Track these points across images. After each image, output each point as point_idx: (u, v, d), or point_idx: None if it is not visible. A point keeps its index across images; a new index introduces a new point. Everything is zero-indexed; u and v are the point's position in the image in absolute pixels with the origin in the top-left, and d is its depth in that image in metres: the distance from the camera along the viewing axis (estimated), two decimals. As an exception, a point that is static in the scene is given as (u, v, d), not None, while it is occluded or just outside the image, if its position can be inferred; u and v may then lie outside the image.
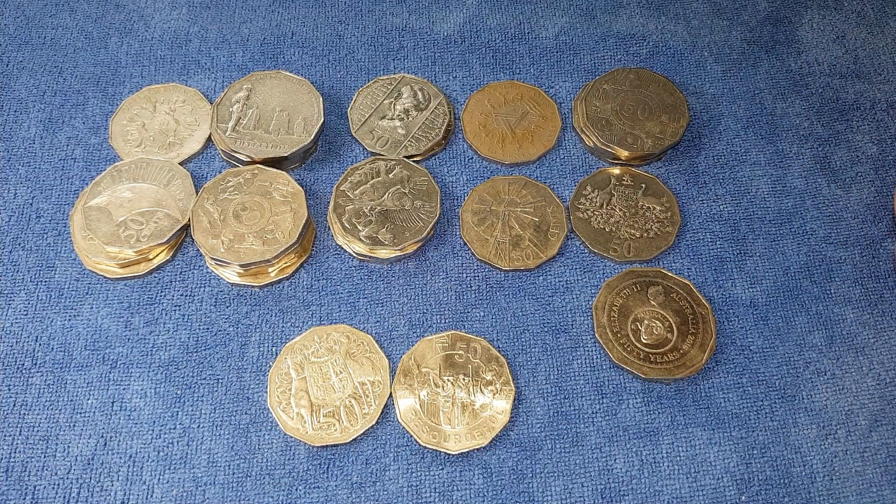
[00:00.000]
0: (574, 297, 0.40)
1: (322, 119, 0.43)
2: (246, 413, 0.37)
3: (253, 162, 0.42)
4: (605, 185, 0.43)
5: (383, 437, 0.36)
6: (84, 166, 0.43)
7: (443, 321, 0.39)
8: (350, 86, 0.46)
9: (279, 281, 0.40)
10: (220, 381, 0.38)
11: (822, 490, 0.36)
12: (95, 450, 0.36)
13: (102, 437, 0.36)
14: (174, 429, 0.36)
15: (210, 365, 0.38)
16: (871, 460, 0.36)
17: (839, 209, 0.43)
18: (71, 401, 0.37)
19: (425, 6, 0.50)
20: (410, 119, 0.44)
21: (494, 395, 0.37)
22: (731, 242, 0.42)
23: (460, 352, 0.38)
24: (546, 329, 0.39)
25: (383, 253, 0.40)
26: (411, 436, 0.36)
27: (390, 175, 0.42)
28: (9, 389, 0.37)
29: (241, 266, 0.38)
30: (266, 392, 0.37)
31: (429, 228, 0.40)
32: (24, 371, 0.38)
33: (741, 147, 0.45)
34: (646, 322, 0.39)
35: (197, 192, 0.41)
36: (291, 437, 0.36)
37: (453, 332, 0.38)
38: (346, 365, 0.37)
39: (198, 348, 0.38)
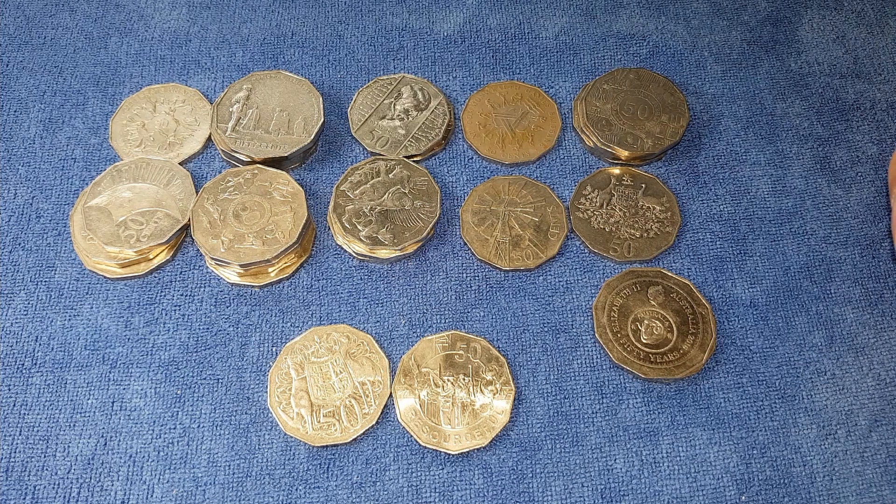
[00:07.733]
0: (574, 297, 0.40)
1: (322, 119, 0.43)
2: (246, 413, 0.37)
3: (253, 162, 0.42)
4: (605, 185, 0.43)
5: (383, 437, 0.36)
6: (84, 166, 0.43)
7: (443, 321, 0.39)
8: (350, 86, 0.46)
9: (279, 281, 0.40)
10: (220, 381, 0.38)
11: (822, 490, 0.36)
12: (95, 450, 0.36)
13: (102, 437, 0.36)
14: (174, 429, 0.36)
15: (210, 365, 0.38)
16: (871, 460, 0.36)
17: (839, 209, 0.43)
18: (71, 401, 0.37)
19: (425, 6, 0.50)
20: (410, 119, 0.44)
21: (494, 395, 0.37)
22: (731, 242, 0.42)
23: (460, 352, 0.38)
24: (546, 329, 0.39)
25: (383, 253, 0.40)
26: (411, 436, 0.36)
27: (390, 175, 0.42)
28: (9, 389, 0.37)
29: (241, 266, 0.38)
30: (266, 392, 0.37)
31: (429, 228, 0.40)
32: (24, 371, 0.38)
33: (741, 147, 0.45)
34: (646, 322, 0.39)
35: (197, 192, 0.41)
36: (291, 437, 0.36)
37: (453, 332, 0.38)
38: (346, 365, 0.37)
39: (198, 348, 0.38)
